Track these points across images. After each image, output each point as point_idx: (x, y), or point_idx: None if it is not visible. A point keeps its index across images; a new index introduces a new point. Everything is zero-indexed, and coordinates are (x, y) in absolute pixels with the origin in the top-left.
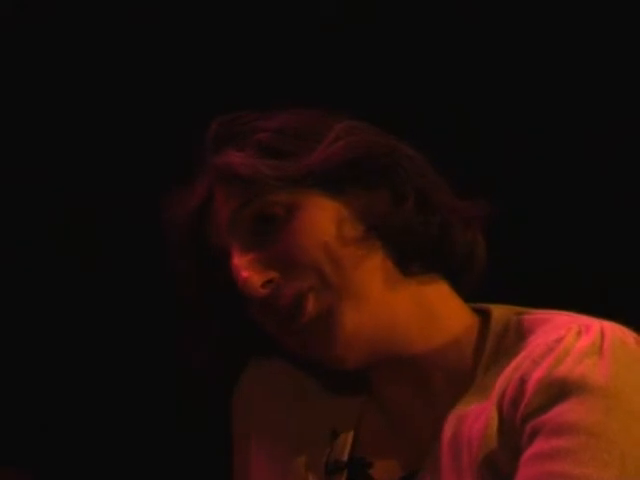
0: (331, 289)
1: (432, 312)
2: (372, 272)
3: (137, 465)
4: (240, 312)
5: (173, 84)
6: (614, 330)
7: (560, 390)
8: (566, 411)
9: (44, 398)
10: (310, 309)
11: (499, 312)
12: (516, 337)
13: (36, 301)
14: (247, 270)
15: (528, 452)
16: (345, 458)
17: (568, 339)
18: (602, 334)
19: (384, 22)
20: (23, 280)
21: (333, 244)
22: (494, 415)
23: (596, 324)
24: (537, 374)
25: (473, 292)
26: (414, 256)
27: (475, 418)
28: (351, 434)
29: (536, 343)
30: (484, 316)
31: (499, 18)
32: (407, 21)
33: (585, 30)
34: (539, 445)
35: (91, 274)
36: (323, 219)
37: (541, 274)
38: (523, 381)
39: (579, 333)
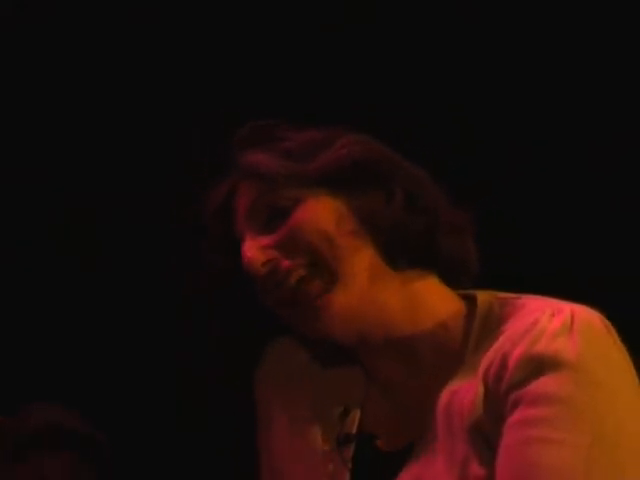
0: (324, 271)
1: (419, 300)
2: (363, 262)
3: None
4: (254, 300)
5: (172, 85)
6: (582, 312)
7: (537, 365)
8: (543, 384)
9: (45, 397)
10: (303, 286)
11: (483, 297)
12: (498, 319)
13: (36, 301)
14: (251, 252)
15: (510, 420)
16: (354, 431)
17: (543, 321)
18: (572, 316)
19: (384, 23)
20: (23, 280)
21: (330, 233)
22: (481, 389)
23: (567, 307)
24: (517, 352)
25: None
26: (401, 252)
27: (465, 392)
28: (358, 410)
29: (516, 325)
30: (470, 301)
31: (499, 20)
32: (406, 23)
33: (585, 33)
34: (520, 414)
35: (91, 274)
36: (323, 211)
37: (537, 276)
38: (505, 359)
39: (552, 315)
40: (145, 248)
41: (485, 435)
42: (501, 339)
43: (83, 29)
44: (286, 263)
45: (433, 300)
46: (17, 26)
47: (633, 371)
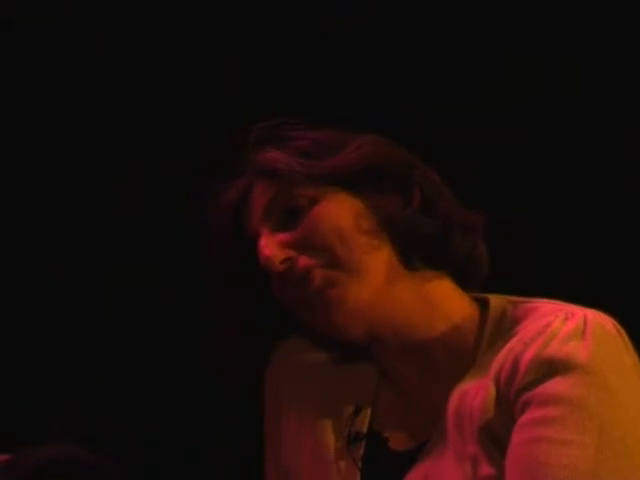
0: (339, 267)
1: (433, 302)
2: (379, 262)
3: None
4: (268, 296)
5: (167, 86)
6: (595, 316)
7: (548, 368)
8: (553, 385)
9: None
10: (317, 281)
11: (496, 301)
12: (511, 323)
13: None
14: (269, 249)
15: (521, 420)
16: (364, 430)
17: (555, 324)
18: (585, 320)
19: (391, 23)
20: (26, 279)
21: (347, 231)
22: (492, 390)
23: (580, 311)
24: (528, 354)
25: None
26: (417, 253)
27: (475, 393)
28: (369, 409)
29: (528, 328)
30: (483, 304)
31: (502, 19)
32: (413, 23)
33: (589, 35)
34: (530, 414)
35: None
36: (340, 210)
37: (547, 280)
38: (516, 361)
39: (565, 319)
40: (151, 247)
41: (495, 436)
42: (513, 341)
43: (85, 28)
44: (304, 261)
45: (447, 302)
46: (17, 26)
47: None
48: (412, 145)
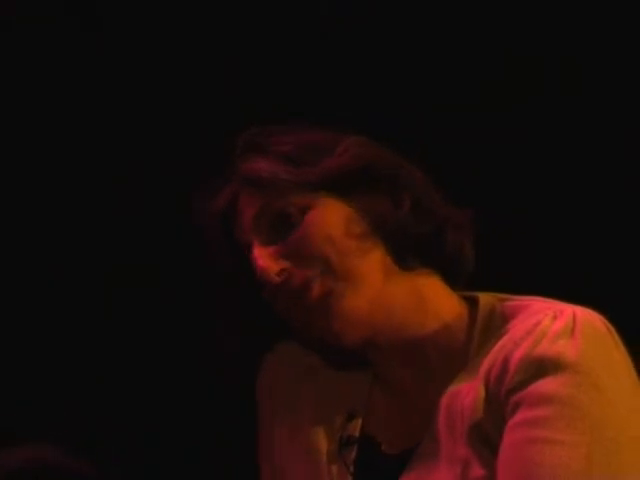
0: (335, 275)
1: (425, 301)
2: (373, 264)
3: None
4: (259, 301)
5: (168, 86)
6: (584, 314)
7: (538, 367)
8: (544, 385)
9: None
10: (316, 291)
11: (485, 299)
12: (500, 321)
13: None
14: (264, 260)
15: (512, 421)
16: (357, 434)
17: (545, 323)
18: (574, 318)
19: (383, 25)
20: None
21: (339, 238)
22: (482, 390)
23: (569, 309)
24: (518, 354)
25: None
26: (410, 253)
27: (466, 393)
28: (362, 414)
29: (518, 327)
30: (472, 303)
31: (501, 19)
32: (406, 22)
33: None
34: (521, 415)
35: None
36: (331, 217)
37: (537, 277)
38: (506, 360)
39: (554, 317)
40: (151, 247)
41: (486, 436)
42: (502, 340)
43: (84, 28)
44: (302, 273)
45: (437, 300)
46: (17, 26)
47: (634, 373)
48: (412, 145)
